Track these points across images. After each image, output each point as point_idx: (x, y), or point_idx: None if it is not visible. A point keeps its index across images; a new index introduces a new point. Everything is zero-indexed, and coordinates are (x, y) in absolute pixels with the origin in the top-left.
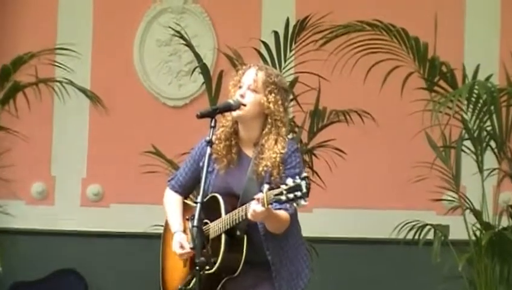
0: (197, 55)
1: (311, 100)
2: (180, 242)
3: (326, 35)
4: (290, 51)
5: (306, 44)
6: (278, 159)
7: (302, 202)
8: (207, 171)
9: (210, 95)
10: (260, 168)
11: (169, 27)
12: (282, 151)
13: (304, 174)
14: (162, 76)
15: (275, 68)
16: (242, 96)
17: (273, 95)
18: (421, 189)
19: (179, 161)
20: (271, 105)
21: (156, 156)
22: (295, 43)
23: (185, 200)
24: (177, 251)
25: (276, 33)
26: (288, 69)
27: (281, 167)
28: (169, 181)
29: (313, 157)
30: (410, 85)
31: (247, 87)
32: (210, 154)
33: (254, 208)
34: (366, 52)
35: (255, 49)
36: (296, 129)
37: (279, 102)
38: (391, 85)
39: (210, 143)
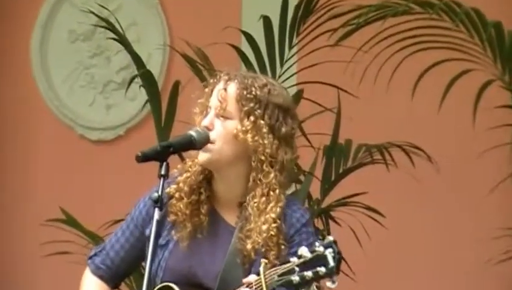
0: (136, 57)
1: (326, 129)
2: None
3: (348, 22)
4: (291, 48)
5: (316, 37)
6: (273, 232)
7: (330, 284)
8: (155, 245)
9: (158, 122)
10: (249, 246)
11: (90, 11)
12: (274, 216)
13: (330, 239)
14: (79, 91)
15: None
16: (208, 128)
17: (252, 118)
18: (510, 272)
19: (106, 234)
20: (248, 136)
21: (68, 225)
22: (298, 35)
23: None
24: None
25: (266, 19)
26: (287, 78)
27: (282, 247)
28: (90, 258)
29: (331, 222)
30: (488, 101)
31: (214, 113)
32: (162, 219)
33: None
34: (414, 48)
35: (232, 46)
36: (302, 177)
37: (264, 129)
38: (457, 102)
39: (159, 203)
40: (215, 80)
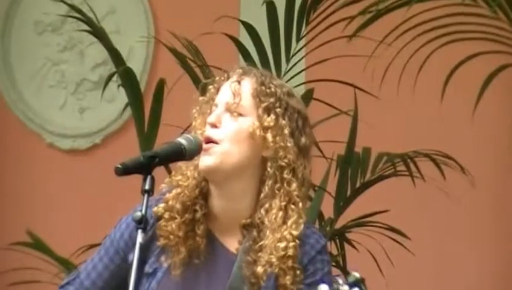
0: (115, 51)
1: (341, 136)
2: None
3: (367, 10)
4: (298, 40)
5: (328, 26)
6: (291, 252)
7: None
8: (139, 274)
9: (141, 128)
10: (260, 269)
11: None
12: (296, 233)
13: (356, 276)
14: (48, 92)
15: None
16: (213, 124)
17: (272, 115)
18: None
19: (81, 261)
20: (268, 135)
21: (36, 250)
22: (307, 24)
23: None
24: None
25: (270, 5)
26: (295, 75)
27: (297, 272)
28: (62, 288)
29: (346, 246)
30: None
31: (223, 108)
32: (148, 243)
33: None
34: (444, 40)
35: (229, 36)
36: (311, 193)
37: (286, 131)
38: (495, 103)
39: (143, 223)
40: (223, 78)
